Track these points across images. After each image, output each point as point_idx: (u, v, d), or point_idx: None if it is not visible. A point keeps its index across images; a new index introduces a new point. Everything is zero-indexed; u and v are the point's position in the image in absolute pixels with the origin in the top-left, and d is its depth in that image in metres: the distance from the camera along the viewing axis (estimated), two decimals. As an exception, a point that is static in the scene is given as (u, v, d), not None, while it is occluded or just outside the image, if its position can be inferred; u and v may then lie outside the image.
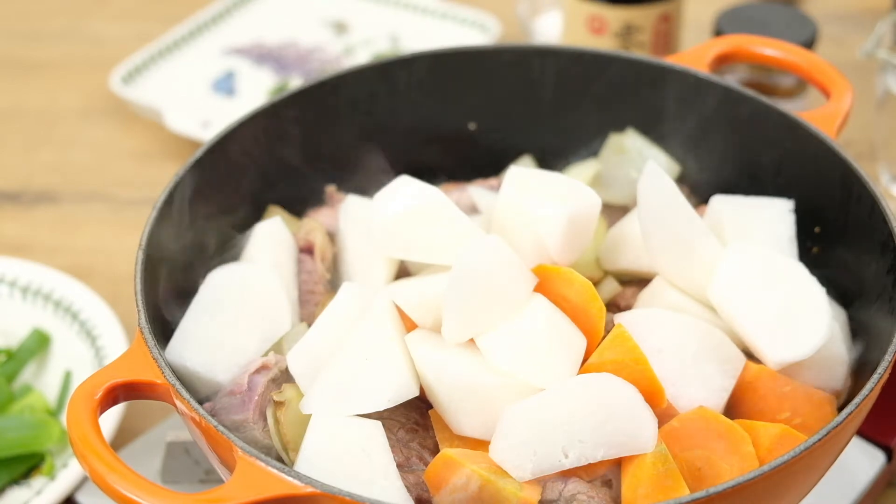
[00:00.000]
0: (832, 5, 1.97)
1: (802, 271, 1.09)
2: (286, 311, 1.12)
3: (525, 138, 1.32)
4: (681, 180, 1.27)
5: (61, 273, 1.45)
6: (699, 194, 1.26)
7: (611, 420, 0.98)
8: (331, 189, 1.26)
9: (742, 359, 1.06)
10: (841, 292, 1.14)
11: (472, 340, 1.04)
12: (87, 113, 1.83)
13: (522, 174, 1.12)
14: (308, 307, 1.16)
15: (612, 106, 1.29)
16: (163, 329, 1.08)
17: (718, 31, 1.57)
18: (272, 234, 1.18)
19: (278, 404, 1.04)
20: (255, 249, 1.17)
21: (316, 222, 1.21)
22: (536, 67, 1.30)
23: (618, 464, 1.00)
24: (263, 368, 1.06)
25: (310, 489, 0.90)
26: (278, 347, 1.10)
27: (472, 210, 1.21)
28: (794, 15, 1.58)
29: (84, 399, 0.97)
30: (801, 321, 1.06)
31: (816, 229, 1.19)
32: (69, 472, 1.25)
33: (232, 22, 1.94)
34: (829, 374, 1.09)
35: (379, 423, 1.01)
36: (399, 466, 1.02)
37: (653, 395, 1.01)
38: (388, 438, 1.02)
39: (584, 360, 1.04)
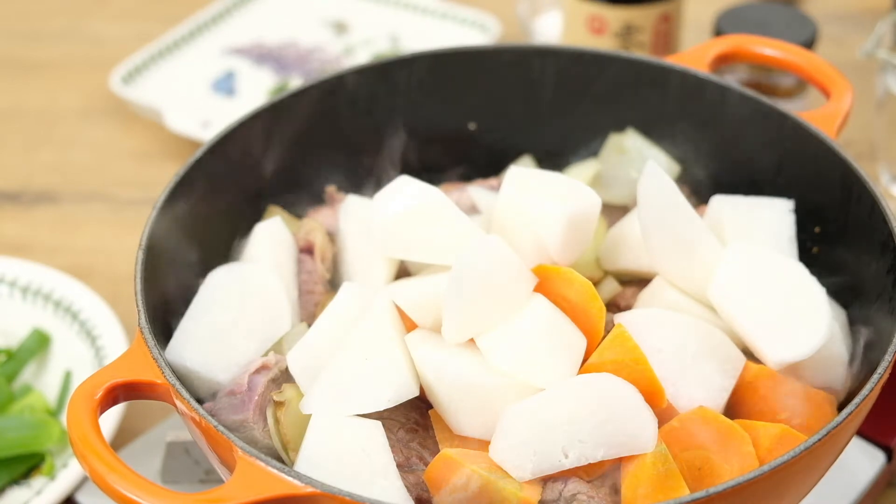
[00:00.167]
0: (832, 5, 1.97)
1: (802, 271, 1.09)
2: (286, 311, 1.12)
3: (525, 138, 1.32)
4: (681, 180, 1.27)
5: (61, 273, 1.45)
6: (699, 194, 1.26)
7: (611, 420, 0.98)
8: (331, 189, 1.26)
9: (742, 359, 1.06)
10: (841, 292, 1.14)
11: (472, 340, 1.04)
12: (87, 113, 1.83)
13: (522, 174, 1.12)
14: (308, 307, 1.16)
15: (612, 106, 1.29)
16: (163, 329, 1.08)
17: (718, 31, 1.57)
18: (272, 234, 1.18)
19: (278, 404, 1.04)
20: (255, 249, 1.17)
21: (316, 222, 1.21)
22: (536, 67, 1.30)
23: (618, 464, 1.00)
24: (263, 368, 1.06)
25: (310, 489, 0.90)
26: (278, 347, 1.10)
27: (472, 210, 1.21)
28: (794, 15, 1.58)
29: (84, 399, 0.97)
30: (801, 321, 1.06)
31: (816, 229, 1.19)
32: (69, 472, 1.25)
33: (232, 22, 1.94)
34: (829, 374, 1.09)
35: (379, 423, 1.01)
36: (399, 466, 1.02)
37: (653, 395, 1.01)
38: (388, 438, 1.02)
39: (584, 360, 1.04)
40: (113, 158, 1.75)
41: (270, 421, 1.04)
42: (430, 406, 1.06)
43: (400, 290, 1.08)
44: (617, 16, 1.62)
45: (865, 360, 1.09)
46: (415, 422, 1.06)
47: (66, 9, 2.04)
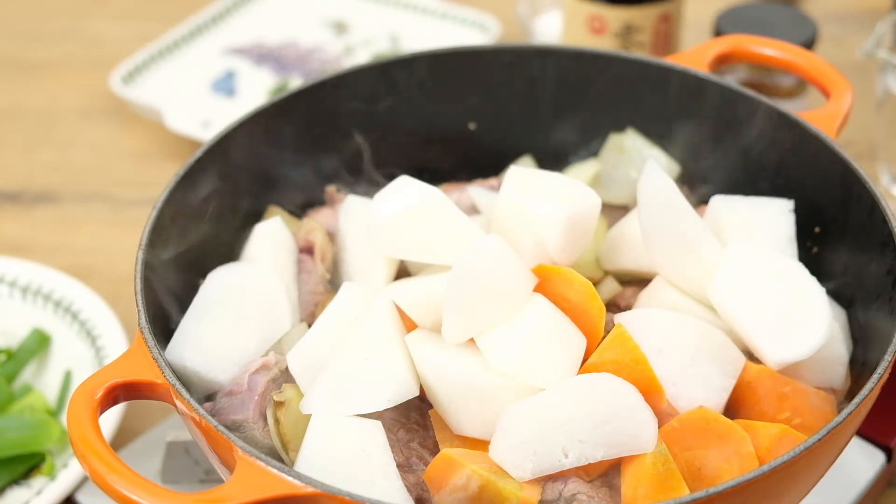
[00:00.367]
0: (832, 5, 1.97)
1: (802, 271, 1.09)
2: (286, 311, 1.12)
3: (525, 138, 1.32)
4: (681, 180, 1.27)
5: (61, 273, 1.45)
6: (699, 194, 1.26)
7: (611, 420, 0.98)
8: (331, 189, 1.26)
9: (742, 359, 1.06)
10: (841, 292, 1.14)
11: (472, 340, 1.04)
12: (87, 113, 1.83)
13: (522, 174, 1.12)
14: (308, 307, 1.16)
15: (612, 106, 1.29)
16: (163, 329, 1.08)
17: (718, 31, 1.57)
18: (272, 234, 1.18)
19: (278, 404, 1.04)
20: (255, 249, 1.17)
21: (316, 222, 1.21)
22: (536, 67, 1.30)
23: (618, 464, 1.00)
24: (263, 368, 1.06)
25: (310, 489, 0.90)
26: (278, 347, 1.10)
27: (472, 210, 1.21)
28: (794, 15, 1.58)
29: (84, 399, 0.97)
30: (801, 321, 1.06)
31: (816, 229, 1.19)
32: (69, 472, 1.25)
33: (232, 22, 1.94)
34: (829, 374, 1.09)
35: (379, 423, 1.01)
36: (399, 466, 1.02)
37: (653, 395, 1.01)
38: (388, 438, 1.02)
39: (584, 360, 1.04)
40: (113, 158, 1.75)
41: (270, 421, 1.04)
42: (430, 406, 1.06)
43: (400, 290, 1.08)
44: (617, 16, 1.62)
45: (865, 360, 1.09)
46: (415, 422, 1.06)
47: (66, 9, 2.04)
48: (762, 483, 0.92)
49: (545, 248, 1.09)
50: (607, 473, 1.01)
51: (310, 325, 1.11)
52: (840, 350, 1.09)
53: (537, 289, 1.07)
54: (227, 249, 1.19)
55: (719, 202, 1.17)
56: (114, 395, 0.99)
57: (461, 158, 1.31)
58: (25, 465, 1.28)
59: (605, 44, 1.64)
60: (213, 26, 1.92)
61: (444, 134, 1.32)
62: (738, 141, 1.24)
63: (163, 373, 0.99)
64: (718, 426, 1.01)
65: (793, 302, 1.06)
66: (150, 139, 1.77)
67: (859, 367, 1.10)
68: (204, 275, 1.15)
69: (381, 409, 1.01)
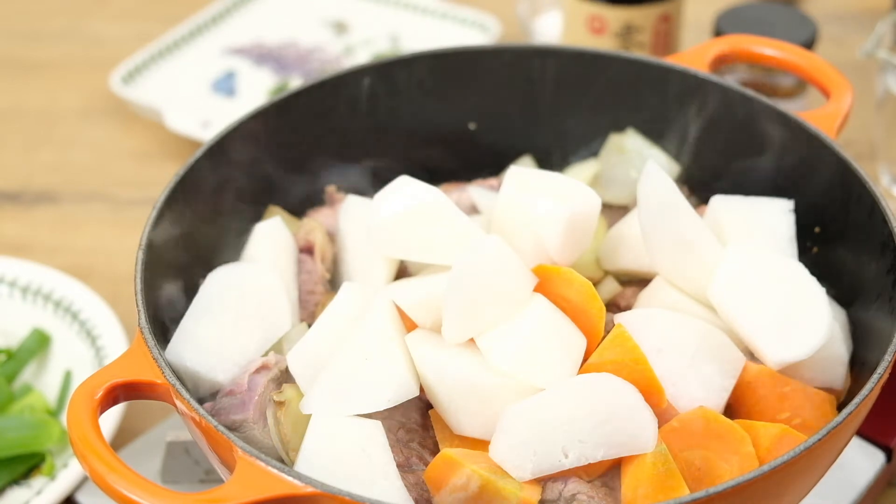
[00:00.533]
0: (832, 5, 1.97)
1: (802, 271, 1.09)
2: (286, 311, 1.12)
3: (525, 138, 1.32)
4: (681, 180, 1.27)
5: (61, 273, 1.45)
6: (699, 194, 1.26)
7: (611, 420, 0.98)
8: (331, 189, 1.26)
9: (742, 359, 1.06)
10: (841, 292, 1.14)
11: (472, 340, 1.04)
12: (87, 113, 1.83)
13: (522, 174, 1.12)
14: (308, 307, 1.16)
15: (612, 106, 1.29)
16: (163, 329, 1.08)
17: (718, 31, 1.57)
18: (272, 234, 1.18)
19: (278, 404, 1.04)
20: (255, 249, 1.17)
21: (316, 222, 1.21)
22: (536, 67, 1.30)
23: (618, 464, 1.00)
24: (263, 368, 1.06)
25: (310, 489, 0.90)
26: (278, 347, 1.10)
27: (472, 210, 1.22)
28: (794, 15, 1.58)
29: (84, 399, 0.97)
30: (801, 321, 1.06)
31: (816, 229, 1.19)
32: (69, 472, 1.25)
33: (232, 22, 1.94)
34: (828, 374, 1.09)
35: (379, 423, 1.01)
36: (399, 466, 1.02)
37: (653, 395, 1.01)
38: (388, 438, 1.02)
39: (584, 360, 1.04)
40: (113, 158, 1.75)
41: (270, 421, 1.04)
42: (430, 406, 1.06)
43: (400, 290, 1.08)
44: (617, 16, 1.62)
45: (865, 360, 1.09)
46: (415, 422, 1.06)
47: (66, 9, 2.04)
48: (762, 483, 0.92)
49: (545, 248, 1.09)
50: (607, 473, 1.01)
51: (310, 325, 1.11)
52: (840, 350, 1.09)
53: (537, 289, 1.07)
54: (227, 249, 1.19)
55: (719, 202, 1.17)
56: (114, 395, 0.99)
57: (461, 158, 1.31)
58: (25, 465, 1.28)
59: (605, 44, 1.64)
60: (213, 26, 1.92)
61: (444, 134, 1.32)
62: (738, 141, 1.24)
63: (163, 373, 0.99)
64: (718, 426, 1.01)
65: (793, 302, 1.06)
66: (150, 139, 1.77)
67: (859, 367, 1.10)
68: (204, 275, 1.15)
69: (381, 409, 1.01)
